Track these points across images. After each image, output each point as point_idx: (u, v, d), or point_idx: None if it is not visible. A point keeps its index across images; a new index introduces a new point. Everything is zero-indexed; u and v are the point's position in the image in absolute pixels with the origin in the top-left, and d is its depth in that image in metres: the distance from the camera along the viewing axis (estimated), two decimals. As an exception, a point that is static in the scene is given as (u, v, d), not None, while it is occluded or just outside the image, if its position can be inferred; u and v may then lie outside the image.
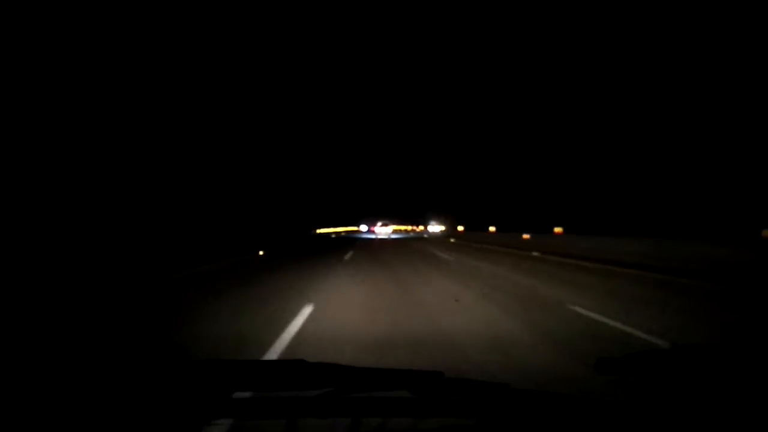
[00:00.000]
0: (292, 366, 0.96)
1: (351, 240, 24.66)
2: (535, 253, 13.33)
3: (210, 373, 0.99)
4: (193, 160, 25.59)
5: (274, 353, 3.08)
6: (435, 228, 39.31)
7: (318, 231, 47.43)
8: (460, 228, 33.42)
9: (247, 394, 0.91)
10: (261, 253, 13.60)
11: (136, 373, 1.00)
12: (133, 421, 0.83)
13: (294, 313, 4.32)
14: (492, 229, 24.90)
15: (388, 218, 47.14)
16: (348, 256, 12.78)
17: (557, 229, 18.36)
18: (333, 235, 36.55)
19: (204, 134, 27.77)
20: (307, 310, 4.49)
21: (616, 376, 0.94)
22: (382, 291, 6.02)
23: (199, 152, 26.63)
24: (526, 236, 18.51)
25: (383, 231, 42.50)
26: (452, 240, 24.49)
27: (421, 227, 70.99)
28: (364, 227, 62.63)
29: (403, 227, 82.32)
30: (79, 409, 0.83)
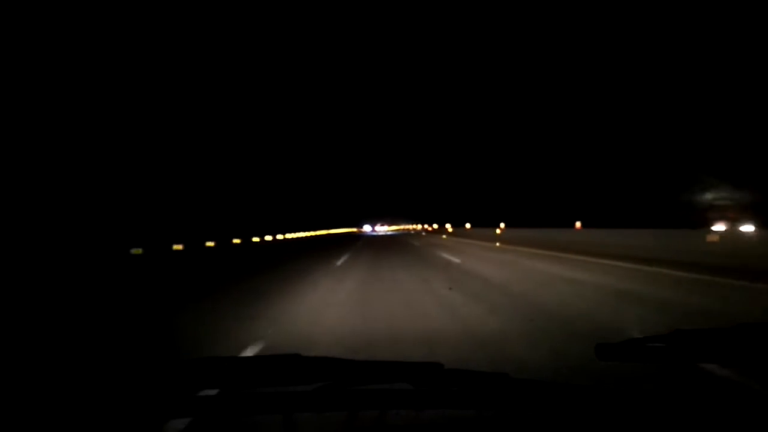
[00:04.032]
0: (287, 360, 0.94)
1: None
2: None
3: (204, 370, 0.96)
4: (191, 161, 25.71)
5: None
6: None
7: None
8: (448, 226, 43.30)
9: (242, 390, 0.89)
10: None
11: (129, 372, 0.99)
12: (123, 419, 0.83)
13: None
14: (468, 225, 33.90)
15: (386, 220, 79.38)
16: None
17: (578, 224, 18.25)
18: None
19: (200, 138, 28.05)
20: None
21: (617, 361, 0.92)
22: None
23: (196, 154, 26.75)
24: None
25: (381, 229, 67.05)
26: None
27: (416, 226, 77.71)
28: (368, 227, 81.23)
29: (398, 227, 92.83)
30: (78, 410, 0.83)
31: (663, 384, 0.98)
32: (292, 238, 34.53)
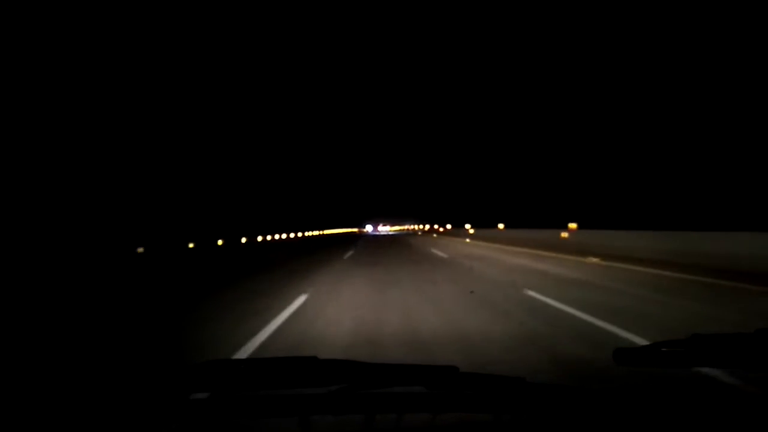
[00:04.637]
0: (303, 363, 0.92)
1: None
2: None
3: (221, 372, 0.94)
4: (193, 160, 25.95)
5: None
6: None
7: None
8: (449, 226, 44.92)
9: (258, 392, 0.87)
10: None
11: (144, 375, 0.94)
12: (134, 421, 0.82)
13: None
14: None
15: (389, 220, 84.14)
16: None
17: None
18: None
19: (200, 136, 28.38)
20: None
21: (635, 366, 0.92)
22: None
23: (197, 154, 26.96)
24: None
25: (383, 229, 67.21)
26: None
27: (421, 226, 73.69)
28: (369, 227, 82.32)
29: (400, 227, 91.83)
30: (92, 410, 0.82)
31: (678, 389, 0.83)
32: (281, 239, 32.10)
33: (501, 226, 24.54)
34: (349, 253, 15.08)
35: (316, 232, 49.09)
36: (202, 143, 29.87)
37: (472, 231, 30.89)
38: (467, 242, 23.43)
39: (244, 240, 25.91)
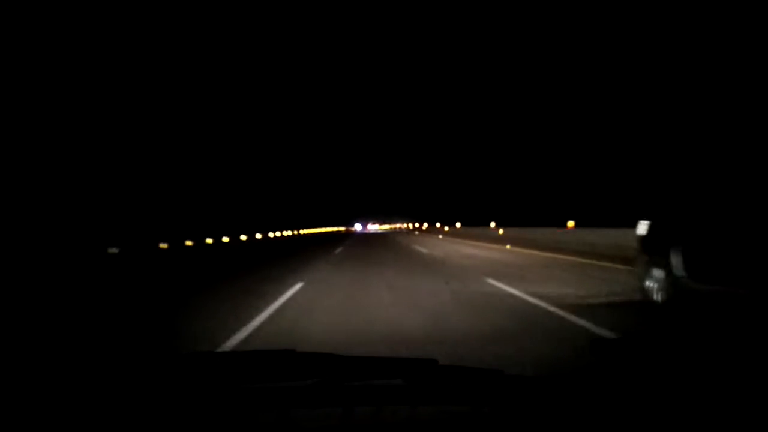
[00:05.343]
0: (281, 356, 0.89)
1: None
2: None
3: (197, 366, 0.92)
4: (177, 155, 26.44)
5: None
6: None
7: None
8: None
9: (236, 386, 0.84)
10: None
11: (122, 370, 0.94)
12: (114, 416, 0.77)
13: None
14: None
15: (379, 219, 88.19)
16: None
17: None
18: None
19: (196, 136, 29.71)
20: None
21: (611, 357, 0.93)
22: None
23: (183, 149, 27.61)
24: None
25: (372, 228, 76.64)
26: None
27: (409, 225, 74.42)
28: (359, 226, 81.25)
29: (391, 226, 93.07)
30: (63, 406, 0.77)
31: (659, 378, 0.83)
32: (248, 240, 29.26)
33: (571, 223, 15.36)
34: (296, 287, 5.76)
35: (287, 233, 39.67)
36: (188, 140, 29.68)
37: (501, 231, 21.65)
38: (508, 249, 14.39)
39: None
